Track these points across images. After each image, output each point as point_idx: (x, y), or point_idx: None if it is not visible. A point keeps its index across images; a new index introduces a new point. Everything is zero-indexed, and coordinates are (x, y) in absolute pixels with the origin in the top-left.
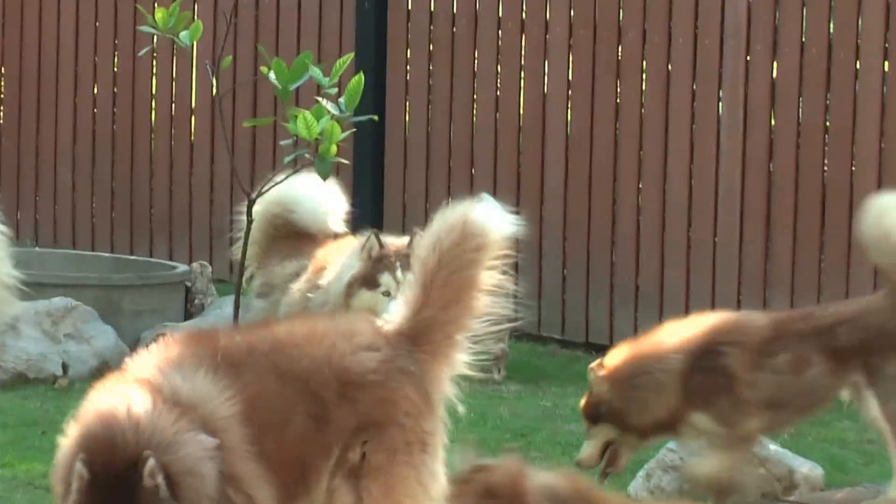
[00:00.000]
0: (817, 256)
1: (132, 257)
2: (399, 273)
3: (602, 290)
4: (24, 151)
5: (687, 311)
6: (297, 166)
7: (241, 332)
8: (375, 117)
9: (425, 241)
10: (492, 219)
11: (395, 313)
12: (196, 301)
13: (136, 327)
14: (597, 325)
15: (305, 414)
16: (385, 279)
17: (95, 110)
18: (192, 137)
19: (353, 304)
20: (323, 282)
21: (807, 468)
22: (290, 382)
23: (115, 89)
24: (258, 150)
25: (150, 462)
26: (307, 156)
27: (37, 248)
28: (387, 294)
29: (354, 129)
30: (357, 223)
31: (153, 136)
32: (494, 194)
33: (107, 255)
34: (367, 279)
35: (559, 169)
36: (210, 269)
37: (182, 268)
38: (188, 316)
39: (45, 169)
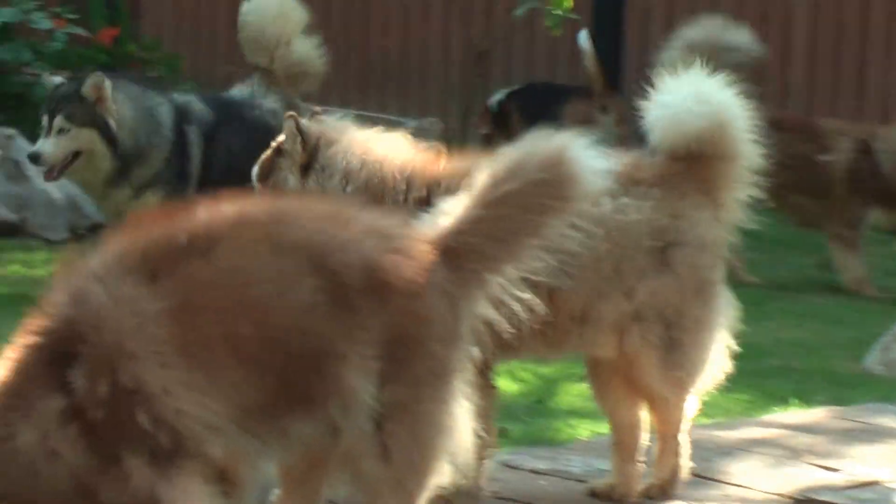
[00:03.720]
0: None
1: (359, 112)
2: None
3: None
4: None
5: None
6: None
7: (241, 201)
8: None
9: (505, 161)
10: (589, 168)
11: (434, 221)
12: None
13: None
14: None
15: (315, 288)
16: None
17: None
18: None
19: None
20: None
21: None
22: (292, 253)
23: None
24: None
25: None
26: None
27: None
28: None
29: None
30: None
31: None
32: None
33: (335, 109)
34: None
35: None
36: (440, 125)
37: (411, 123)
38: None
39: None
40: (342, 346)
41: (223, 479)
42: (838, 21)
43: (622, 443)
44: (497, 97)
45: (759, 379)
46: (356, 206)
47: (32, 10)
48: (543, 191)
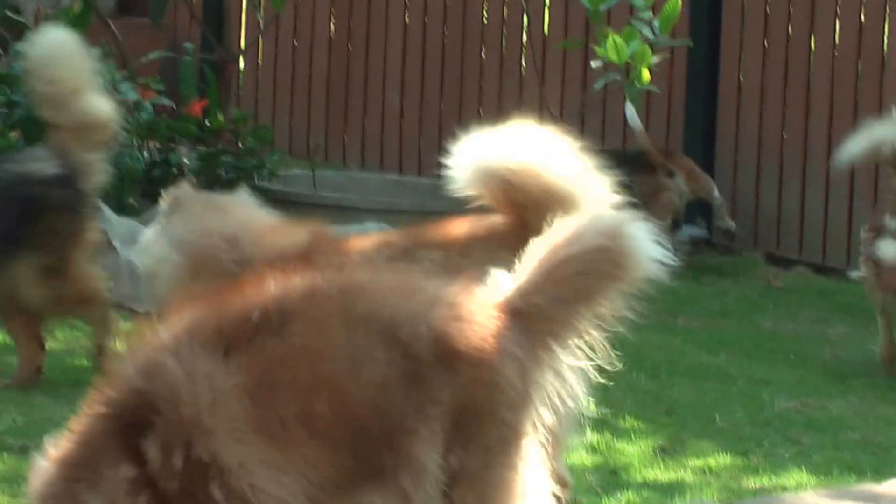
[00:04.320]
0: None
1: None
2: None
3: None
4: (353, 72)
5: None
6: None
7: (310, 273)
8: (690, 42)
9: (566, 227)
10: (646, 252)
11: (500, 286)
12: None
13: None
14: None
15: (387, 362)
16: None
17: (426, 28)
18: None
19: None
20: None
21: None
22: (365, 327)
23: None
24: (567, 74)
25: None
26: (618, 79)
27: (356, 172)
28: None
29: (668, 56)
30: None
31: (482, 56)
32: (830, 129)
33: (425, 180)
34: None
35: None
36: None
37: None
38: None
39: (373, 90)
40: (413, 421)
41: None
42: None
43: None
44: None
45: (836, 452)
46: (421, 276)
47: (119, 81)
48: (604, 257)
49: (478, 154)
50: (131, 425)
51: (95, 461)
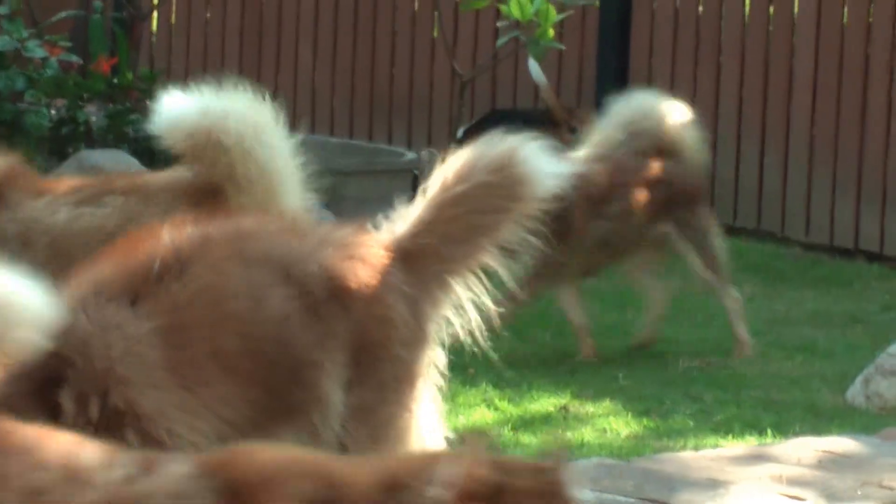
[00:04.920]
0: None
1: (359, 142)
2: None
3: (849, 190)
4: (266, 30)
5: None
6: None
7: (201, 224)
8: (597, 2)
9: (457, 164)
10: (543, 168)
11: (388, 226)
12: (423, 189)
13: (359, 214)
14: (842, 227)
15: (286, 298)
16: None
17: None
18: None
19: None
20: None
21: None
22: (260, 266)
23: None
24: (479, 35)
25: None
26: (520, 37)
27: None
28: None
29: (570, 13)
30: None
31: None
32: (741, 82)
33: (333, 139)
34: None
35: (808, 60)
36: (440, 156)
37: (410, 155)
38: None
39: (286, 48)
40: (317, 354)
41: None
42: None
43: None
44: (462, 128)
45: (737, 410)
46: (308, 221)
47: (27, 39)
48: (495, 192)
49: (175, 110)
50: (46, 381)
51: (14, 416)
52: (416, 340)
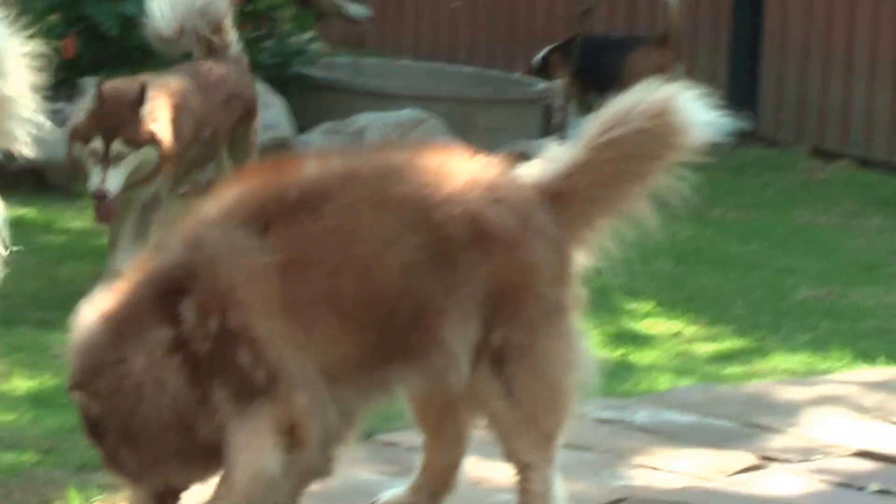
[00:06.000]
0: None
1: (491, 72)
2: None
3: None
4: None
5: None
6: None
7: (350, 155)
8: None
9: (614, 108)
10: (699, 117)
11: (538, 165)
12: (554, 119)
13: (488, 143)
14: None
15: (417, 245)
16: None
17: None
18: None
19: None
20: None
21: None
22: (397, 210)
23: None
24: None
25: None
26: None
27: (398, 60)
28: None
29: None
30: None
31: None
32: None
33: (466, 68)
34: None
35: None
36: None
37: (541, 85)
38: (546, 134)
39: None
40: (442, 301)
41: (292, 433)
42: None
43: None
44: (541, 54)
45: (851, 339)
46: (464, 156)
47: None
48: (650, 139)
49: None
50: (173, 289)
51: (137, 320)
52: (560, 280)
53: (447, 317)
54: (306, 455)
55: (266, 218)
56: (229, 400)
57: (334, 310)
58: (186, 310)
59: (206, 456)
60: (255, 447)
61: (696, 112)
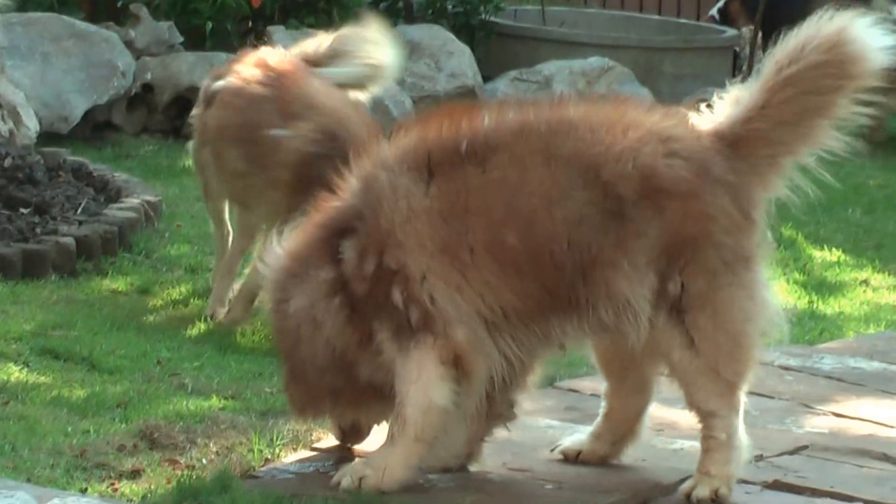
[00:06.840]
0: None
1: (679, 20)
2: None
3: None
4: None
5: None
6: None
7: (525, 107)
8: None
9: (788, 45)
10: (873, 44)
11: (719, 111)
12: (744, 66)
13: (676, 91)
14: None
15: (586, 201)
16: None
17: None
18: None
19: None
20: None
21: None
22: (567, 166)
23: None
24: None
25: None
26: None
27: (585, 8)
28: None
29: None
30: None
31: None
32: None
33: (654, 16)
34: None
35: None
36: (760, 34)
37: (730, 32)
38: (734, 81)
39: None
40: (612, 254)
41: (458, 365)
42: None
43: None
44: (720, 2)
45: None
46: (642, 108)
47: None
48: (827, 71)
49: None
50: (340, 231)
51: (308, 259)
52: (741, 227)
53: (618, 270)
54: (474, 388)
55: (434, 164)
56: (391, 340)
57: (495, 258)
58: (348, 249)
59: (374, 396)
60: (422, 380)
61: (872, 38)
